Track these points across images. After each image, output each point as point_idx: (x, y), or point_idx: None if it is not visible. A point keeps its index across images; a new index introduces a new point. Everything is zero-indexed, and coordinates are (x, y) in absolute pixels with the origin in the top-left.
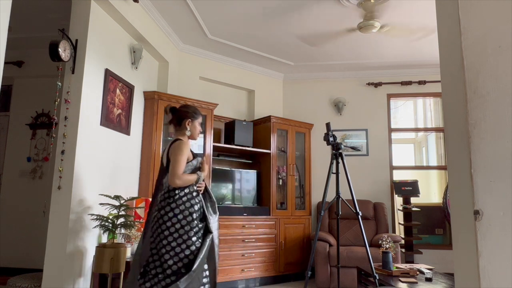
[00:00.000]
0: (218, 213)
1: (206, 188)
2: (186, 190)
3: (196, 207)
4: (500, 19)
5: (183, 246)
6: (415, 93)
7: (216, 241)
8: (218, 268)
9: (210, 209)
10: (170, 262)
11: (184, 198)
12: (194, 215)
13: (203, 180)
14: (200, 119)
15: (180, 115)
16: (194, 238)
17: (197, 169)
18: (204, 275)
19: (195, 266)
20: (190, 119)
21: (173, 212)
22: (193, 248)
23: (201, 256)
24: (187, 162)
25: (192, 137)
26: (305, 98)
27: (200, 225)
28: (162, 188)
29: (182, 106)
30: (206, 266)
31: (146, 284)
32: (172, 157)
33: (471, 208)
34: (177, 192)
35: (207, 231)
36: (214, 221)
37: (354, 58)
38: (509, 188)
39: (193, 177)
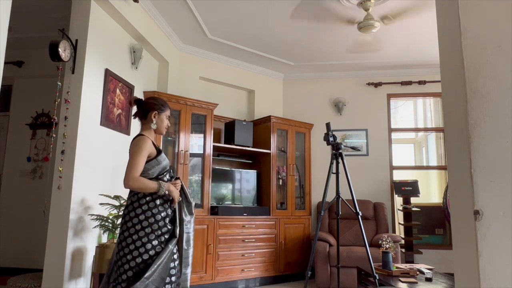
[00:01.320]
0: (194, 214)
1: (182, 188)
2: (149, 198)
3: (161, 215)
4: (500, 19)
5: (142, 249)
6: (415, 93)
7: (191, 242)
8: (189, 273)
9: (185, 209)
10: (126, 266)
11: (146, 206)
12: (159, 221)
13: (176, 182)
14: (167, 112)
15: (145, 107)
16: (155, 242)
17: (166, 171)
18: (168, 280)
19: (149, 272)
20: (156, 111)
21: (135, 212)
22: (152, 252)
23: (158, 262)
24: (152, 159)
25: (158, 131)
26: (305, 98)
27: (164, 229)
28: None
29: (148, 98)
30: (173, 272)
31: (110, 284)
32: (129, 155)
33: (471, 208)
34: (139, 196)
35: (172, 236)
36: (188, 222)
37: (354, 58)
38: (509, 188)
39: (153, 185)
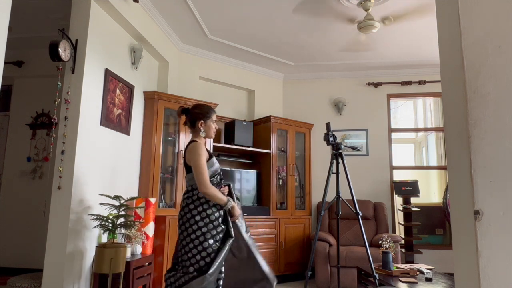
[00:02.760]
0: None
1: (230, 191)
2: (203, 199)
3: (215, 215)
4: (500, 19)
5: (199, 248)
6: (415, 93)
7: (249, 242)
8: (263, 269)
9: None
10: (187, 263)
11: (203, 200)
12: (213, 217)
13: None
14: (213, 117)
15: (192, 117)
16: (211, 241)
17: (217, 174)
18: (218, 277)
19: (211, 269)
20: (202, 120)
21: (191, 213)
22: (209, 250)
23: (218, 260)
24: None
25: (207, 136)
26: (305, 98)
27: (218, 229)
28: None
29: (193, 107)
30: (222, 269)
31: (170, 279)
32: (192, 163)
33: (471, 208)
34: (195, 193)
35: (227, 235)
36: (240, 224)
37: (354, 58)
38: (509, 188)
39: (222, 197)
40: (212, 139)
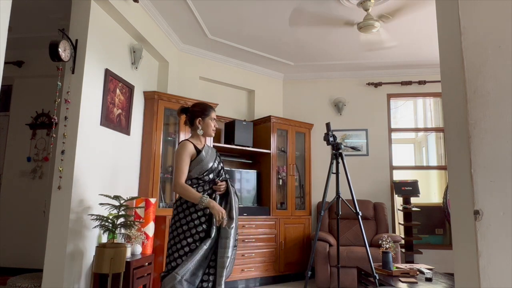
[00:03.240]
0: (233, 218)
1: (227, 186)
2: (190, 202)
3: (197, 214)
4: (500, 19)
5: (178, 246)
6: (415, 93)
7: (230, 242)
8: (224, 275)
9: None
10: (167, 259)
11: (185, 205)
12: (194, 216)
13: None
14: (212, 115)
15: (190, 115)
16: (189, 239)
17: (207, 171)
18: (206, 278)
19: (180, 269)
20: (200, 118)
21: (178, 216)
22: (186, 249)
23: (190, 259)
24: (192, 160)
25: (206, 134)
26: (305, 98)
27: (199, 228)
28: None
29: (192, 105)
30: (212, 271)
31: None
32: (175, 162)
33: (471, 208)
34: (181, 200)
35: (207, 235)
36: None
37: (354, 58)
38: (509, 188)
39: (195, 196)
40: (211, 139)
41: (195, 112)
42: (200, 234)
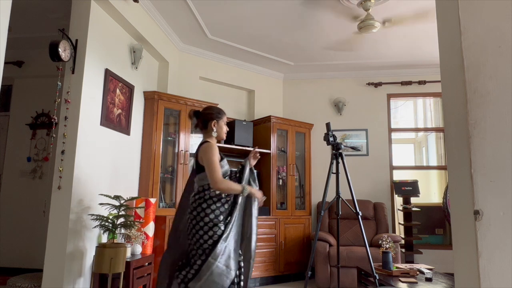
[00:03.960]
0: (254, 214)
1: (242, 170)
2: (213, 193)
3: (219, 206)
4: (500, 19)
5: (210, 233)
6: (415, 93)
7: (252, 243)
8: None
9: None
10: (197, 254)
11: (215, 199)
12: (222, 209)
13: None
14: (224, 118)
15: (204, 117)
16: (220, 226)
17: (228, 175)
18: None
19: (213, 253)
20: (215, 120)
21: (205, 212)
22: (216, 235)
23: (208, 258)
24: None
25: (219, 137)
26: (305, 98)
27: (223, 227)
28: (192, 190)
29: (204, 108)
30: (238, 265)
31: (180, 275)
32: (205, 162)
33: (471, 208)
34: (206, 193)
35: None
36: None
37: (354, 58)
38: (509, 188)
39: (237, 187)
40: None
41: (210, 115)
42: (224, 233)
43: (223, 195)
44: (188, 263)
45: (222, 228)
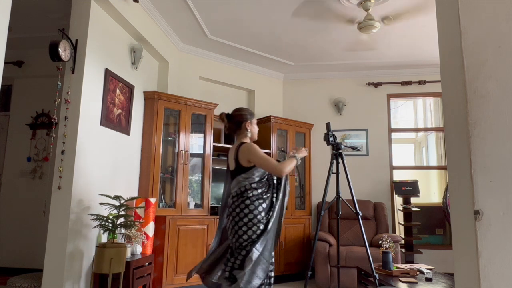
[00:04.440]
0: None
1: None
2: (256, 192)
3: (264, 206)
4: (500, 19)
5: (245, 237)
6: (415, 93)
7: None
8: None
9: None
10: (240, 246)
11: (253, 199)
12: (263, 213)
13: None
14: (255, 119)
15: (238, 119)
16: (258, 232)
17: (266, 175)
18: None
19: (258, 243)
20: (248, 121)
21: (248, 208)
22: (258, 225)
23: (253, 249)
24: (254, 165)
25: (253, 137)
26: (305, 98)
27: (264, 223)
28: (230, 193)
29: (235, 110)
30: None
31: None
32: (255, 160)
33: (471, 208)
34: (244, 195)
35: (266, 228)
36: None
37: (354, 58)
38: (509, 188)
39: (293, 161)
40: (211, 139)
41: (243, 116)
42: (269, 219)
43: (263, 195)
44: (232, 255)
45: (264, 224)
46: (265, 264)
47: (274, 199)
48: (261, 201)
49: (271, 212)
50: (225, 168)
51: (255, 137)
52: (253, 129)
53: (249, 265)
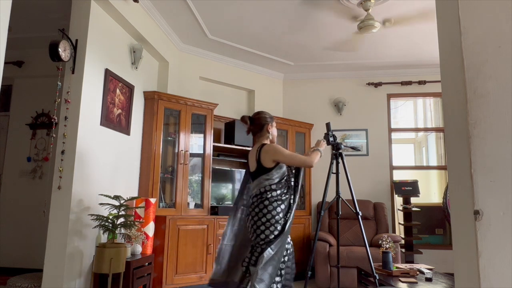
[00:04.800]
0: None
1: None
2: (275, 194)
3: (282, 207)
4: (500, 19)
5: (262, 236)
6: (415, 93)
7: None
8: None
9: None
10: (259, 249)
11: (272, 200)
12: (281, 214)
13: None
14: (275, 122)
15: (260, 122)
16: (276, 233)
17: (285, 176)
18: (278, 273)
19: (259, 264)
20: (269, 124)
21: (267, 208)
22: (277, 225)
23: (268, 248)
24: (275, 166)
25: (272, 140)
26: (305, 98)
27: (282, 223)
28: (247, 192)
29: (257, 113)
30: (282, 265)
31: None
32: (281, 158)
33: (471, 208)
34: (263, 195)
35: (283, 229)
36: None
37: (354, 58)
38: (509, 188)
39: (318, 155)
40: (211, 139)
41: (266, 119)
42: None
43: (282, 196)
44: (251, 252)
45: (281, 225)
46: (278, 264)
47: (291, 201)
48: (279, 202)
49: (289, 214)
50: (225, 168)
51: (275, 139)
52: (273, 132)
53: (261, 263)
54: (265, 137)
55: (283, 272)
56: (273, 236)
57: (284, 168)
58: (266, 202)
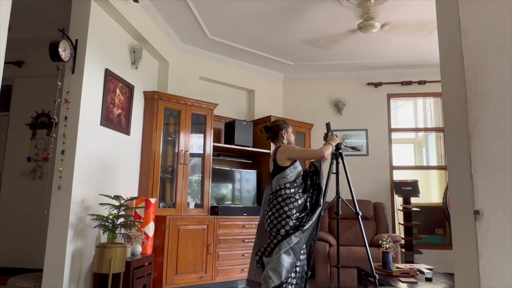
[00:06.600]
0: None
1: (316, 184)
2: (288, 192)
3: (295, 204)
4: (500, 19)
5: (275, 230)
6: (415, 93)
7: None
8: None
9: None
10: (275, 240)
11: (285, 196)
12: (294, 211)
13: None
14: (291, 128)
15: (275, 129)
16: (287, 228)
17: (300, 176)
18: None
19: (272, 255)
20: (284, 130)
21: (280, 205)
22: (290, 224)
23: (283, 241)
24: (290, 165)
25: (290, 142)
26: (305, 98)
27: (294, 219)
28: (270, 188)
29: (272, 122)
30: (298, 263)
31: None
32: (295, 155)
33: (471, 208)
34: (280, 193)
35: (299, 226)
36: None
37: (354, 58)
38: (509, 188)
39: (330, 148)
40: (211, 139)
41: (280, 126)
42: (296, 222)
43: (295, 195)
44: (267, 244)
45: (293, 220)
46: (294, 261)
47: (307, 200)
48: (292, 199)
49: (304, 213)
50: (225, 168)
51: (293, 142)
52: (289, 137)
53: (275, 254)
54: (281, 142)
55: (298, 269)
56: (284, 230)
57: (299, 168)
58: (280, 199)
